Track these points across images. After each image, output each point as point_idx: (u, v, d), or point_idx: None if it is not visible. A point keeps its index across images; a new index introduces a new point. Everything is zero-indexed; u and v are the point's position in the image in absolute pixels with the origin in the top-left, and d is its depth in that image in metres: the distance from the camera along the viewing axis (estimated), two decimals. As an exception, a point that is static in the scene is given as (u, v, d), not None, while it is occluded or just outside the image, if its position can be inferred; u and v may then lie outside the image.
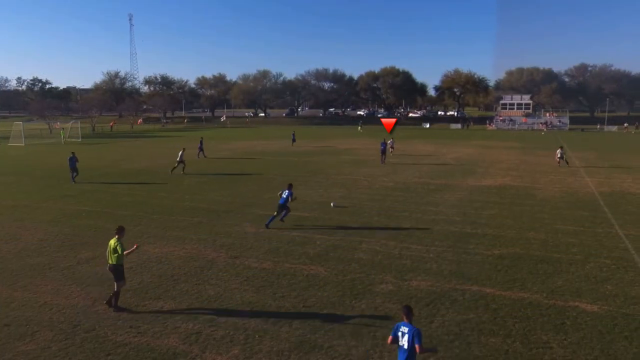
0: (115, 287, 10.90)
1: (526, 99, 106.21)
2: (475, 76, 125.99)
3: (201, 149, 42.07)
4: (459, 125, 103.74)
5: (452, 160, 40.89)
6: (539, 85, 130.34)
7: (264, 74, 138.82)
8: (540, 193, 24.99)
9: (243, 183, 28.14)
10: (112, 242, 10.87)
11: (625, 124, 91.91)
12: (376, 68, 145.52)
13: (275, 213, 18.03)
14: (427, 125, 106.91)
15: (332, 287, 12.34)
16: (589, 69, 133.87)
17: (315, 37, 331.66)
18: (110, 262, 10.85)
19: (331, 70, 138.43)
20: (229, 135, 73.39)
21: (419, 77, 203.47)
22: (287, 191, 17.94)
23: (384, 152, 37.95)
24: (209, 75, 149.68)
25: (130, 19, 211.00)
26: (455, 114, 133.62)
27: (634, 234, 16.97)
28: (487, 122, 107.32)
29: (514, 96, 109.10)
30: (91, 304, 11.31)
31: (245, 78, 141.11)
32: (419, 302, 11.39)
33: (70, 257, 14.62)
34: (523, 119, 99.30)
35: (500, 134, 79.36)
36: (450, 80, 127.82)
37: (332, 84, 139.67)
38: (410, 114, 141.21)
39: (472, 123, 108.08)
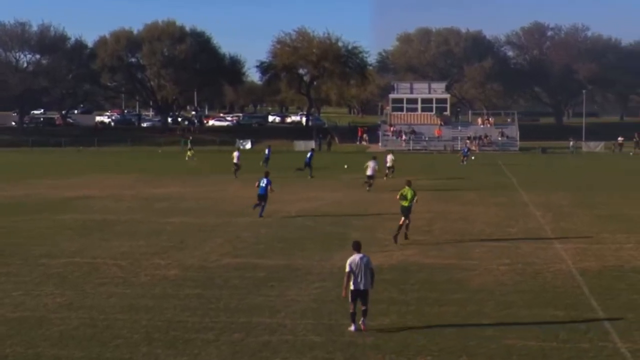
0: (405, 221, 33.69)
1: (439, 90, 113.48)
2: (340, 44, 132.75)
3: None
4: (312, 144, 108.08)
5: (296, 213, 42.16)
6: (462, 63, 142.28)
7: None
8: (475, 277, 26.74)
9: None
10: (409, 191, 33.74)
11: (620, 139, 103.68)
12: (136, 25, 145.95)
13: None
14: (248, 145, 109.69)
15: None
16: (549, 33, 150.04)
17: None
18: (405, 204, 33.69)
19: (36, 28, 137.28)
20: None
21: (227, 47, 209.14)
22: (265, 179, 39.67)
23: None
24: None
25: None
26: (304, 120, 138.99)
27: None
28: (365, 137, 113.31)
29: (416, 85, 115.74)
30: None
31: None
32: None
33: None
34: (436, 131, 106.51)
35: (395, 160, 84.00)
36: (289, 52, 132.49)
37: (37, 56, 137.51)
38: (212, 121, 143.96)
39: (335, 139, 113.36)
